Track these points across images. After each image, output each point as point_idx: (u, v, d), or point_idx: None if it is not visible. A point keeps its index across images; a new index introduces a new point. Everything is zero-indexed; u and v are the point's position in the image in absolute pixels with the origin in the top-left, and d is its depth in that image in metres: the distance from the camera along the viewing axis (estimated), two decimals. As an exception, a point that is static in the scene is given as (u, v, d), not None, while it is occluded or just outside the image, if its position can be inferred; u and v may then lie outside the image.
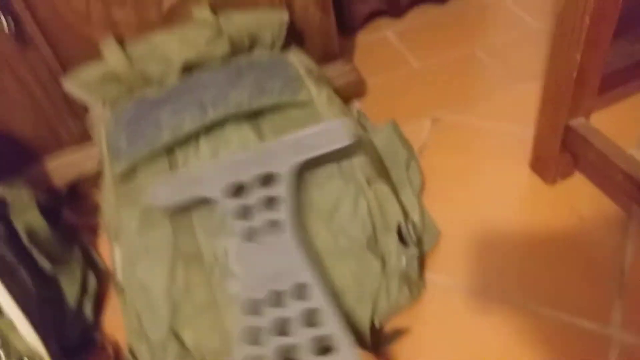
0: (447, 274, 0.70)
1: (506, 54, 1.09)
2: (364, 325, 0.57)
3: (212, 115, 0.73)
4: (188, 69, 0.79)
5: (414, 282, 0.63)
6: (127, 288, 0.62)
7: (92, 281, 0.78)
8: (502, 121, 0.92)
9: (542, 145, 0.77)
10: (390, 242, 0.61)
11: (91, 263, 0.81)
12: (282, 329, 0.52)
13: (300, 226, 0.61)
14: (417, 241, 0.63)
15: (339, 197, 0.64)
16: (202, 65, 0.80)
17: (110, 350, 0.71)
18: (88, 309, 0.75)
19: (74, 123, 0.89)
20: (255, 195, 0.62)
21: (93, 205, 0.96)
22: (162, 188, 0.66)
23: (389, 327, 0.64)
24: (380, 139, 0.80)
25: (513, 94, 0.98)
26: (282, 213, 0.60)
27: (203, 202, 0.64)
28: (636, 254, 0.69)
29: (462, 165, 0.86)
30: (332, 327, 0.50)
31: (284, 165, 0.64)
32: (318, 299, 0.52)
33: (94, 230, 0.91)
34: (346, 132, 0.66)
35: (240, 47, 0.81)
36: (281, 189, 0.62)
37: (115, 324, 0.74)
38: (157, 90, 0.78)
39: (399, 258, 0.61)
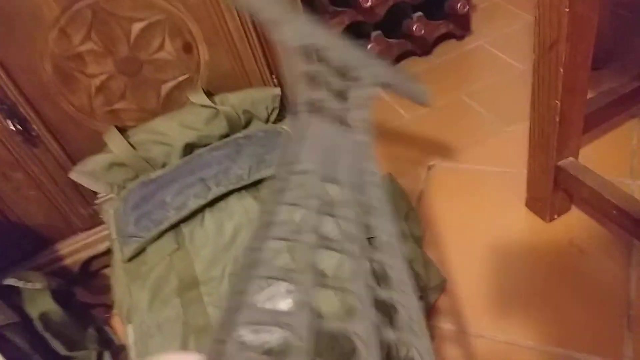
0: (454, 321, 0.71)
1: (493, 98, 1.13)
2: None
3: (215, 191, 0.76)
4: (189, 149, 0.84)
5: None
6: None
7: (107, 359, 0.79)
8: (496, 164, 0.95)
9: (535, 186, 0.80)
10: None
11: (106, 341, 0.83)
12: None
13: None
14: (421, 293, 0.64)
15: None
16: (202, 144, 0.84)
17: None
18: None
19: (84, 209, 0.93)
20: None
21: (105, 284, 0.98)
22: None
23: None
24: (378, 194, 0.82)
25: (504, 137, 1.01)
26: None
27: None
28: (641, 285, 0.69)
29: (460, 210, 0.88)
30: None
31: (370, 75, 0.56)
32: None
33: (108, 308, 0.93)
34: (426, 93, 0.61)
35: (237, 124, 0.86)
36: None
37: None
38: (161, 172, 0.82)
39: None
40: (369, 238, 0.39)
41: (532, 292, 0.72)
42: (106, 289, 0.97)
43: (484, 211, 0.86)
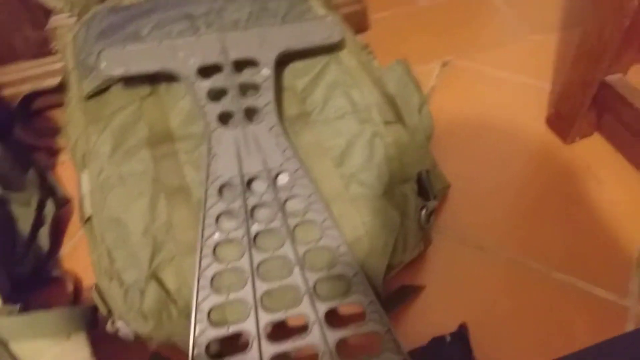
0: (453, 229, 0.64)
1: (522, 1, 1.01)
2: (377, 281, 0.50)
3: (203, 33, 0.62)
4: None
5: (428, 237, 0.57)
6: (97, 220, 0.53)
7: (49, 209, 0.68)
8: (517, 72, 0.85)
9: (566, 101, 0.71)
10: (409, 193, 0.54)
11: (49, 189, 0.71)
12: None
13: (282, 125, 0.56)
14: (435, 193, 0.56)
15: (352, 139, 0.56)
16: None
17: (69, 286, 0.62)
18: (44, 241, 0.65)
19: (33, 31, 0.76)
20: (232, 80, 0.57)
21: (51, 127, 0.84)
22: (121, 53, 0.57)
23: (395, 281, 0.58)
24: (391, 79, 0.71)
25: (528, 45, 0.90)
26: (261, 101, 0.56)
27: (167, 77, 0.58)
28: (656, 224, 0.64)
29: (472, 114, 0.78)
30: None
31: (267, 53, 0.59)
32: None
33: (51, 154, 0.80)
34: (336, 29, 0.63)
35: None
36: (261, 78, 0.57)
37: (75, 260, 0.65)
38: (136, -2, 0.66)
39: (417, 211, 0.53)
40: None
41: (541, 213, 0.66)
42: (51, 132, 0.83)
43: (498, 120, 0.78)
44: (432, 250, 0.62)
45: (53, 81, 0.79)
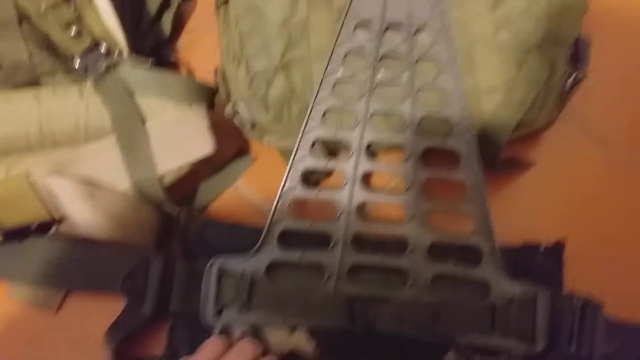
0: (579, 117, 0.59)
1: None
2: (502, 137, 0.48)
3: None
4: None
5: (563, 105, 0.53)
6: (234, 4, 0.52)
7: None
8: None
9: None
10: (559, 57, 0.50)
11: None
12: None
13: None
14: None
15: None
16: None
17: (183, 72, 0.64)
18: (167, 25, 0.65)
19: None
20: None
21: None
22: None
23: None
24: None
25: None
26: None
27: None
28: None
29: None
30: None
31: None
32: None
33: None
34: None
35: None
36: None
37: (191, 53, 0.66)
38: None
39: (563, 77, 0.50)
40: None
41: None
42: None
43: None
44: (550, 134, 0.58)
45: None
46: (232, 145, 0.58)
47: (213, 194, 0.57)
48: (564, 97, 0.51)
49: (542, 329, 0.44)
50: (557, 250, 0.50)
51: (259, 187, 0.57)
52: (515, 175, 0.57)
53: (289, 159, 0.48)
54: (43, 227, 0.49)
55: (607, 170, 0.58)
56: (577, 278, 0.49)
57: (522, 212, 0.55)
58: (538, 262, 0.49)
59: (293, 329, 0.45)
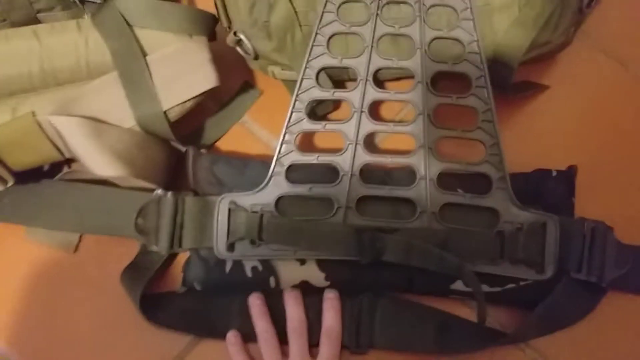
0: (598, 36, 0.57)
1: None
2: (515, 58, 0.46)
3: None
4: None
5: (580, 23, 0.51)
6: None
7: None
8: None
9: None
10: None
11: None
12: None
13: None
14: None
15: None
16: None
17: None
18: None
19: None
20: None
21: None
22: None
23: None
24: None
25: None
26: None
27: None
28: None
29: None
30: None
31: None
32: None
33: None
34: None
35: None
36: None
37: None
38: None
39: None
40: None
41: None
42: None
43: None
44: (566, 55, 0.55)
45: None
46: (237, 78, 0.56)
47: (220, 129, 0.56)
48: (581, 14, 0.48)
49: (552, 256, 0.44)
50: (569, 175, 0.49)
51: (266, 121, 0.56)
52: (528, 100, 0.55)
53: (294, 90, 0.47)
54: (54, 169, 0.50)
55: (627, 93, 0.55)
56: (588, 205, 0.49)
57: (535, 139, 0.54)
58: (550, 188, 0.48)
59: (303, 261, 0.46)
